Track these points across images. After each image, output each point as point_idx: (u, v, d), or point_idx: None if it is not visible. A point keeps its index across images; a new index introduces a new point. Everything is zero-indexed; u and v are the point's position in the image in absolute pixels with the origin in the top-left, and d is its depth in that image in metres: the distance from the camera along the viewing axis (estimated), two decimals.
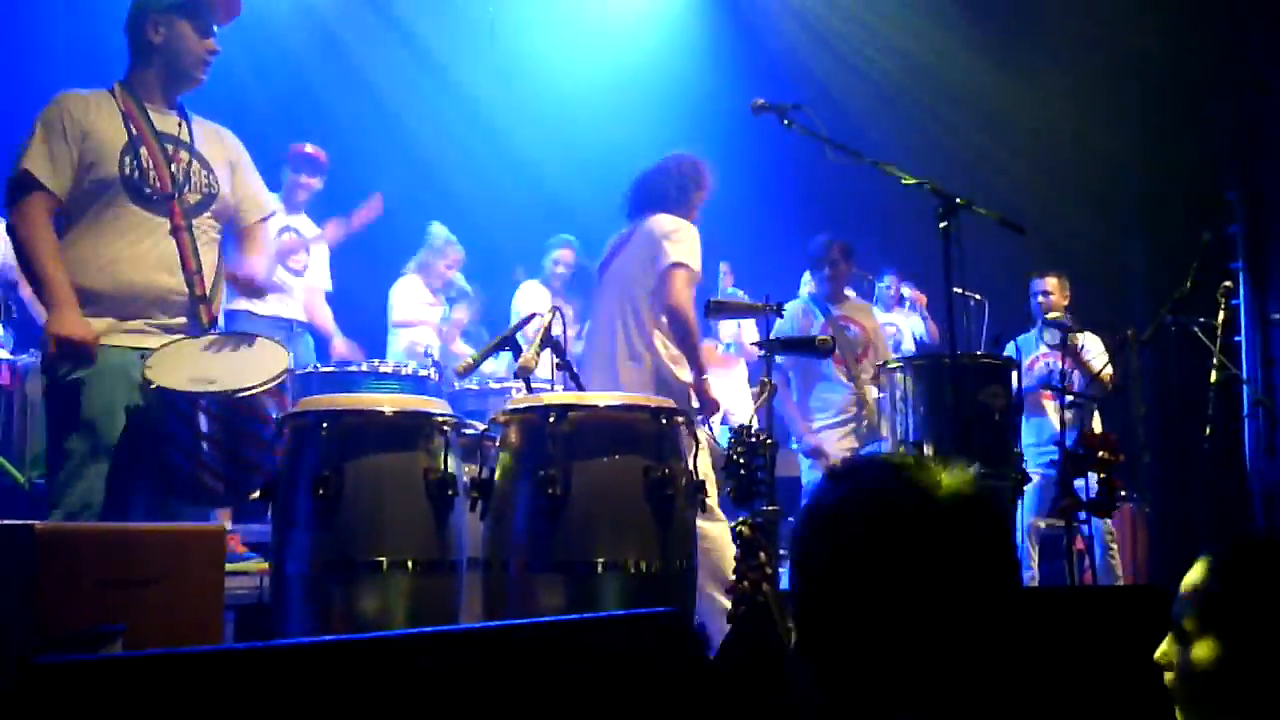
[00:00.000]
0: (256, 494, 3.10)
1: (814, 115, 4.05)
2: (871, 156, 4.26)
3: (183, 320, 3.37)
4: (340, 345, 6.11)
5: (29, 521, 2.42)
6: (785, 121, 4.08)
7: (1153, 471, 6.31)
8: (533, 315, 3.67)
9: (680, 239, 4.23)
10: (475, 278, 7.00)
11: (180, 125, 3.47)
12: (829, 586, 1.24)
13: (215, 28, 3.49)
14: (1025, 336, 6.20)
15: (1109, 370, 5.88)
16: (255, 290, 3.64)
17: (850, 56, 8.15)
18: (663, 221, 4.30)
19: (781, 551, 3.49)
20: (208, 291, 3.40)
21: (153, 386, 3.07)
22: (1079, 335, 5.91)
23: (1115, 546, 5.84)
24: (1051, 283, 6.26)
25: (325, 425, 2.90)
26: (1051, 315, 5.86)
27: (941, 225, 3.59)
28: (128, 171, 3.29)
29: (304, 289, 5.90)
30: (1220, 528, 6.13)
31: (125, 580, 2.45)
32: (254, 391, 3.09)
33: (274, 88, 7.12)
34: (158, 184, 3.33)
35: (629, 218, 4.49)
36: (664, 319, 4.23)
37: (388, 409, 2.98)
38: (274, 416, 3.13)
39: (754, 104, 4.15)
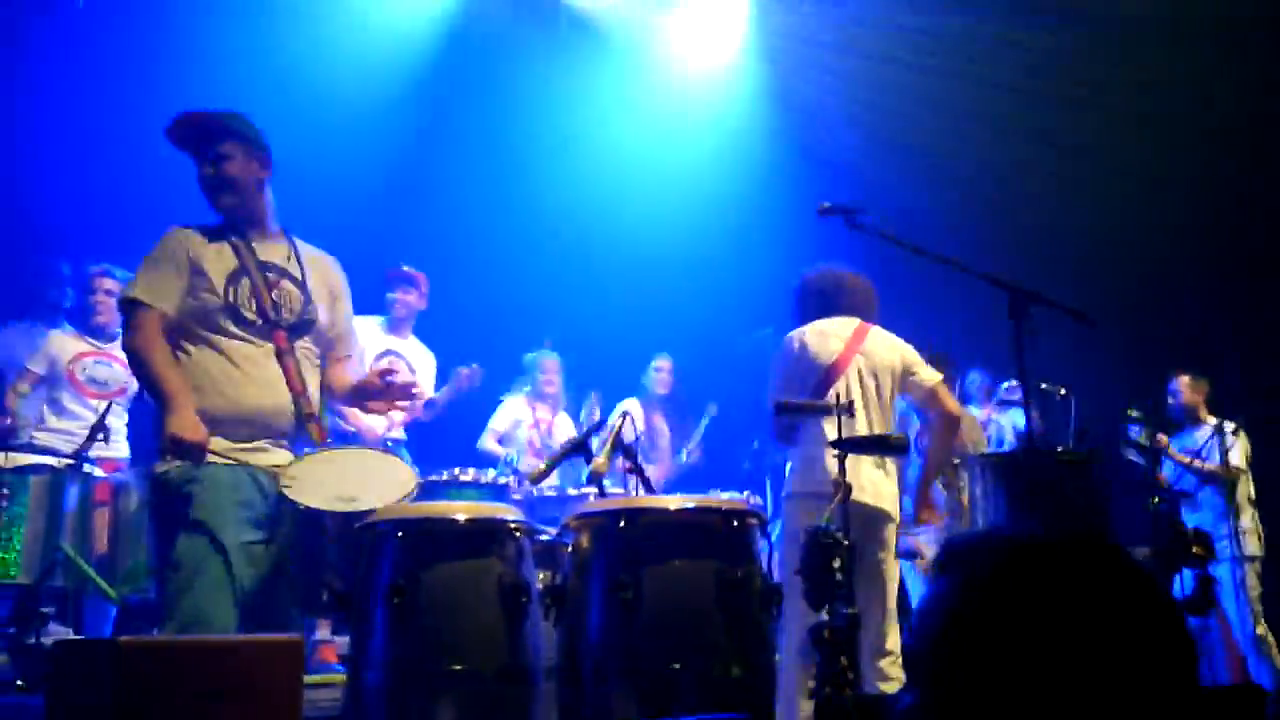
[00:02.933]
0: None
1: (880, 215, 4.08)
2: (940, 253, 4.28)
3: (287, 439, 3.49)
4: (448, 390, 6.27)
5: (116, 637, 2.47)
6: (852, 225, 4.11)
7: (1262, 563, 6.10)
8: (602, 421, 3.71)
9: None
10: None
11: (289, 256, 3.61)
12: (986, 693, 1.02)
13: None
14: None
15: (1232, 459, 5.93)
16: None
17: (915, 156, 8.19)
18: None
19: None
20: (316, 410, 3.52)
21: (301, 508, 3.17)
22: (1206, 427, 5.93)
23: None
24: (1183, 381, 6.46)
25: (400, 534, 2.94)
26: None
27: (1013, 320, 3.55)
28: (230, 299, 3.43)
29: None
30: None
31: (206, 691, 2.49)
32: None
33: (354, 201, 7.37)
34: (257, 310, 3.46)
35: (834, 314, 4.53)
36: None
37: (461, 516, 3.02)
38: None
39: (820, 207, 4.18)
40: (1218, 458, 6.03)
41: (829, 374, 4.32)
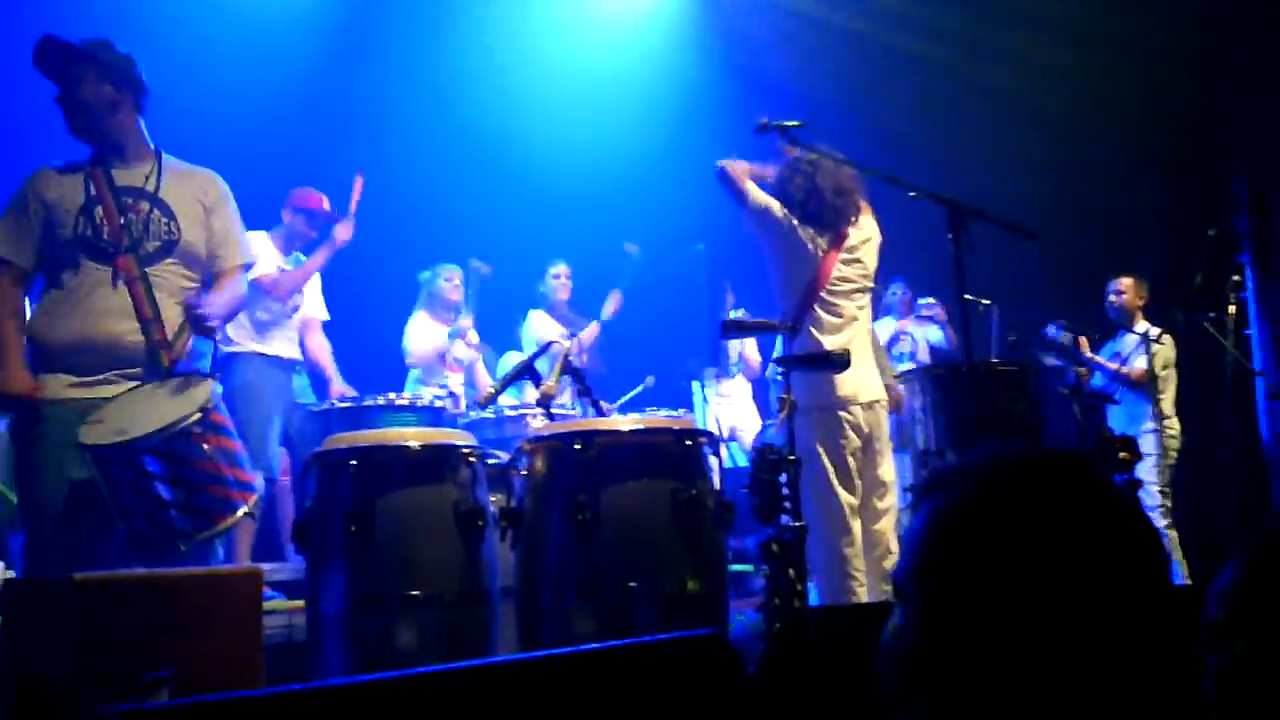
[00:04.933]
0: (209, 532, 3.12)
1: (816, 130, 4.09)
2: (873, 166, 4.31)
3: (139, 369, 3.38)
4: (338, 387, 6.04)
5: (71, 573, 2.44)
6: (788, 140, 4.12)
7: (1173, 469, 6.33)
8: (550, 343, 3.70)
9: None
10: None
11: (149, 175, 3.53)
12: (968, 601, 1.04)
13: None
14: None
15: (1140, 367, 6.06)
16: (201, 325, 3.46)
17: (849, 66, 8.18)
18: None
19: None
20: (168, 337, 3.41)
21: (87, 446, 3.10)
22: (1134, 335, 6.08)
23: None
24: (1125, 283, 6.53)
25: (354, 462, 2.93)
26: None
27: (950, 234, 3.60)
28: (80, 230, 3.40)
29: (299, 323, 5.86)
30: (1244, 523, 6.14)
31: (167, 625, 2.48)
32: (186, 423, 3.06)
33: (271, 105, 7.16)
34: (109, 237, 3.41)
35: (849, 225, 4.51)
36: None
37: (414, 443, 3.01)
38: (216, 436, 3.14)
39: (759, 123, 4.19)
40: (1144, 363, 6.18)
41: None
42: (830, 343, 4.16)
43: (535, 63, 8.18)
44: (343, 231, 5.73)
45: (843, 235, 4.38)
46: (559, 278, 6.95)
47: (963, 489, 1.11)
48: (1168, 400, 6.29)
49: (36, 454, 3.31)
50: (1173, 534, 6.06)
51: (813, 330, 4.26)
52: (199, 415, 3.09)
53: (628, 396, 7.11)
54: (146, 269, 3.43)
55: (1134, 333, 6.30)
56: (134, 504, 3.10)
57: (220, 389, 3.30)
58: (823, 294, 4.30)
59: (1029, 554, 1.04)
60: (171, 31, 6.47)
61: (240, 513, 3.13)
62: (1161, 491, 6.06)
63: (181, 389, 3.26)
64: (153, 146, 3.61)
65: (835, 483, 4.15)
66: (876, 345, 5.43)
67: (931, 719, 1.06)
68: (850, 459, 4.19)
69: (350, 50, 7.80)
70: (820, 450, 4.12)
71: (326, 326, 6.15)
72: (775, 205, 4.37)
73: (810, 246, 4.32)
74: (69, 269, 3.41)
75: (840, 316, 4.33)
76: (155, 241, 3.46)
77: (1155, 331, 6.15)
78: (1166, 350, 6.32)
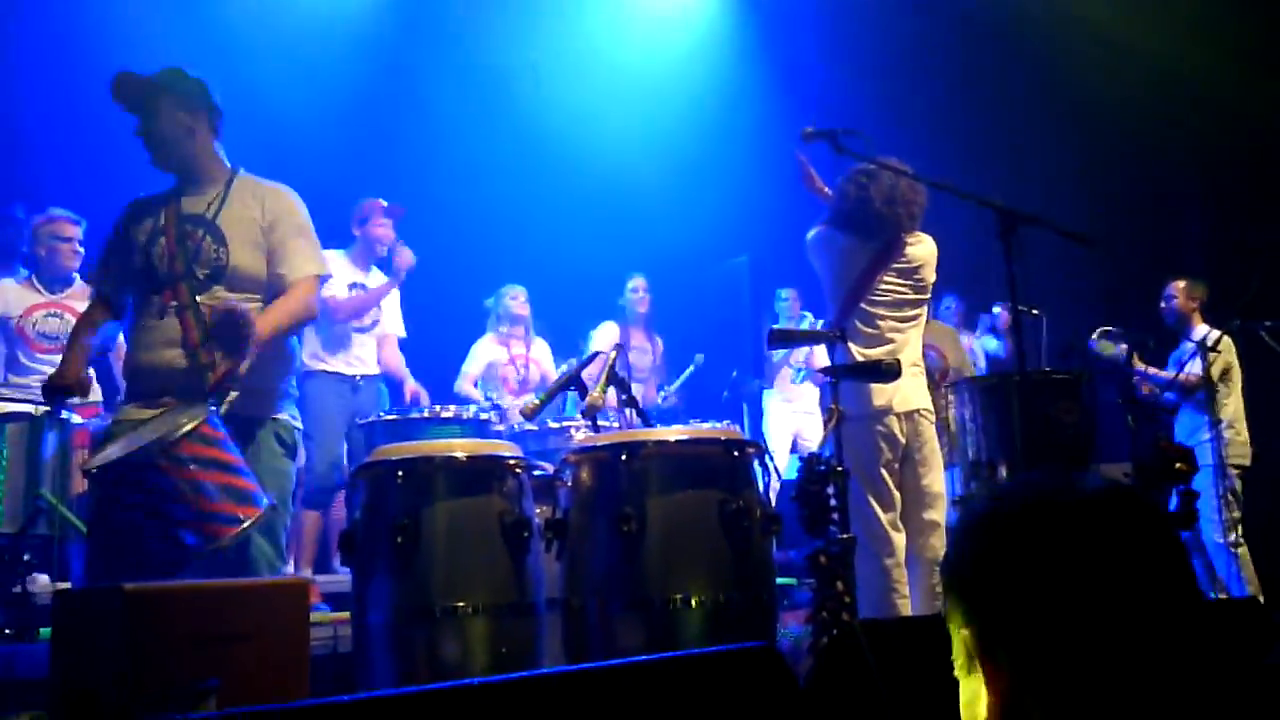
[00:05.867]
0: (221, 542, 3.07)
1: (866, 138, 4.04)
2: (925, 176, 4.27)
3: (188, 395, 3.38)
4: (411, 386, 6.27)
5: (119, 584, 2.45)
6: (837, 148, 4.07)
7: (1243, 479, 6.17)
8: (595, 354, 3.68)
9: None
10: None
11: (212, 201, 3.55)
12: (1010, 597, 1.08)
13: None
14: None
15: (1194, 374, 5.91)
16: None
17: (893, 73, 8.12)
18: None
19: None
20: (216, 361, 3.39)
21: (91, 471, 3.18)
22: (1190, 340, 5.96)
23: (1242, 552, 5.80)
24: (1178, 286, 6.39)
25: (400, 473, 2.92)
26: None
27: (1003, 241, 3.54)
28: (142, 263, 3.51)
29: (376, 339, 6.03)
30: None
31: (214, 636, 2.47)
32: (180, 433, 3.02)
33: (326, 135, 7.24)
34: (164, 268, 3.48)
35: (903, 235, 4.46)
36: None
37: (461, 454, 3.00)
38: (210, 447, 3.09)
39: (804, 132, 4.15)
40: (1198, 369, 6.00)
41: None
42: (867, 355, 4.13)
43: (576, 76, 8.20)
44: (403, 258, 5.92)
45: (892, 245, 4.33)
46: (636, 291, 7.02)
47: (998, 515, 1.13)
48: (1230, 408, 6.08)
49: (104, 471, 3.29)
50: (1241, 550, 5.86)
51: (850, 342, 4.23)
52: (190, 426, 3.05)
53: (681, 379, 7.17)
54: (198, 296, 3.46)
55: (1190, 340, 6.15)
56: (144, 524, 3.09)
57: (213, 410, 3.22)
58: (863, 305, 4.26)
59: (1069, 577, 1.05)
60: (226, 50, 6.59)
61: (245, 525, 3.10)
62: (1224, 502, 5.86)
63: (173, 412, 3.27)
64: (229, 166, 3.66)
65: (866, 494, 4.11)
66: (958, 348, 5.37)
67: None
68: (883, 471, 4.14)
69: (399, 63, 7.88)
70: (855, 464, 4.07)
71: (403, 344, 6.36)
72: (811, 234, 4.43)
73: (851, 257, 4.29)
74: (136, 300, 3.56)
75: (877, 328, 4.29)
76: (205, 269, 3.49)
77: (1213, 336, 5.98)
78: (1226, 355, 6.13)
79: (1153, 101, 7.55)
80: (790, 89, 8.14)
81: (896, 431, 4.16)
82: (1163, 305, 6.44)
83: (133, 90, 3.56)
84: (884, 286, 4.29)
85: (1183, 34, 7.38)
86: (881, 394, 4.15)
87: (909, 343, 4.34)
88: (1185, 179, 7.96)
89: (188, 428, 3.04)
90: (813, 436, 7.19)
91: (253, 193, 3.63)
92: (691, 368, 7.34)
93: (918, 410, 4.23)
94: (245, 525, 3.09)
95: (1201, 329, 6.25)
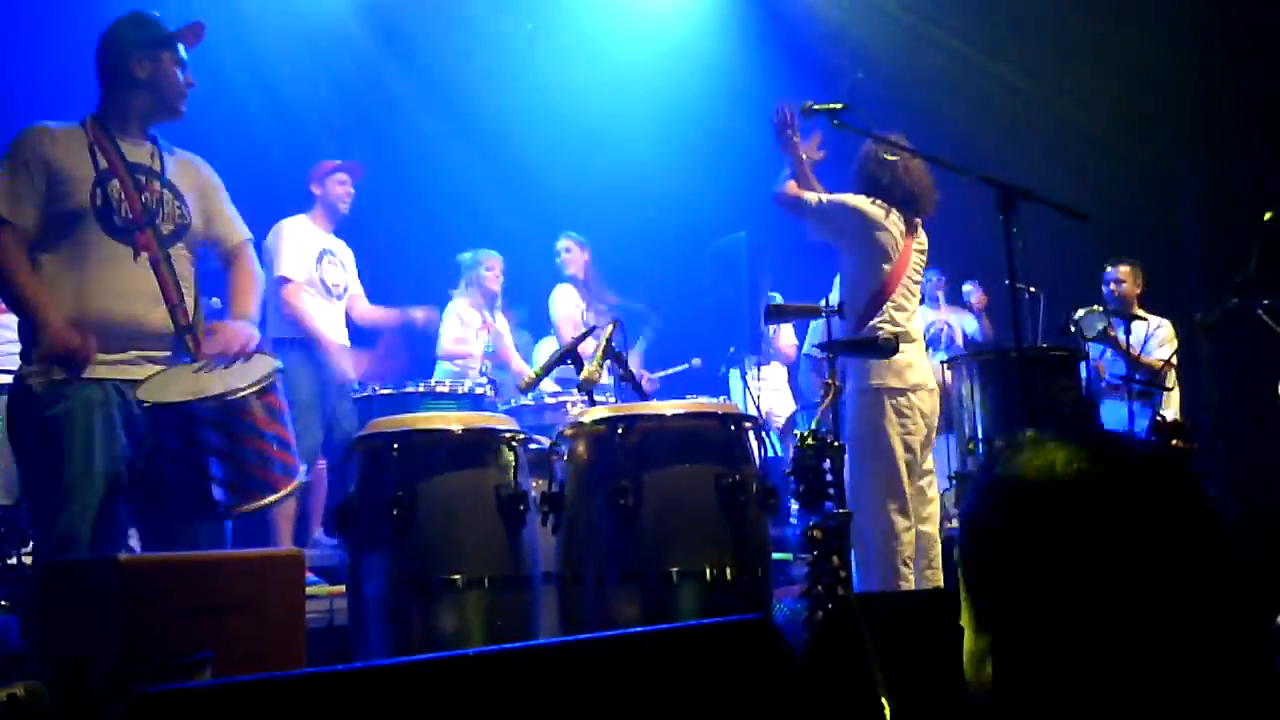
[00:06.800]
0: (277, 495, 3.11)
1: (865, 114, 4.03)
2: (922, 151, 4.25)
3: (168, 353, 3.32)
4: (413, 314, 6.05)
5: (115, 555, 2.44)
6: (835, 122, 4.06)
7: (1226, 459, 6.17)
8: (594, 328, 3.67)
9: None
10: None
11: (153, 156, 3.45)
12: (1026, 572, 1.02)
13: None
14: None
15: (1161, 359, 5.85)
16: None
17: (889, 53, 8.08)
18: None
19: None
20: (191, 320, 3.36)
21: (146, 405, 3.05)
22: (1144, 322, 5.90)
23: None
24: (1124, 271, 6.28)
25: (396, 446, 2.92)
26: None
27: (1001, 217, 3.53)
28: (98, 203, 3.26)
29: (345, 307, 5.85)
30: None
31: (209, 607, 2.47)
32: (246, 393, 3.05)
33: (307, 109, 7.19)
34: (129, 214, 3.31)
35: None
36: None
37: (457, 427, 2.99)
38: (270, 419, 3.11)
39: (804, 107, 4.14)
40: (1165, 353, 5.97)
41: None
42: (903, 329, 4.18)
43: (575, 50, 8.16)
44: (420, 316, 5.84)
45: (913, 224, 4.35)
46: (570, 251, 6.86)
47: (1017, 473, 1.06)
48: (1174, 398, 6.06)
49: (67, 432, 3.13)
50: None
51: (893, 314, 4.23)
52: (257, 388, 3.07)
53: (669, 371, 7.09)
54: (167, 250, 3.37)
55: (1140, 318, 6.09)
56: (173, 473, 3.07)
57: (280, 366, 3.26)
58: (903, 280, 4.28)
59: (1107, 549, 0.99)
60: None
61: (278, 495, 3.11)
62: None
63: (245, 362, 3.24)
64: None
65: (903, 468, 4.11)
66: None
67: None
68: (916, 445, 4.16)
69: (389, 41, 7.81)
70: (891, 434, 4.09)
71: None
72: (849, 197, 4.33)
73: (894, 232, 4.29)
74: (82, 241, 3.25)
75: (910, 304, 4.34)
76: (169, 224, 3.39)
77: (1165, 323, 5.98)
78: (1171, 339, 6.15)
79: (1148, 76, 7.53)
80: (789, 63, 8.10)
81: (927, 408, 4.20)
82: (1110, 288, 6.33)
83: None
84: (910, 262, 4.34)
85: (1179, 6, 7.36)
86: (916, 368, 4.19)
87: (916, 314, 4.38)
88: (1180, 155, 7.93)
89: (256, 387, 3.06)
90: (782, 413, 7.17)
91: (182, 159, 3.55)
92: (685, 366, 7.27)
93: (935, 388, 4.29)
94: (278, 495, 3.12)
95: (1142, 313, 6.21)
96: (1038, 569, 1.01)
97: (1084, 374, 4.09)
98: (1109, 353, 6.08)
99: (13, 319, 5.18)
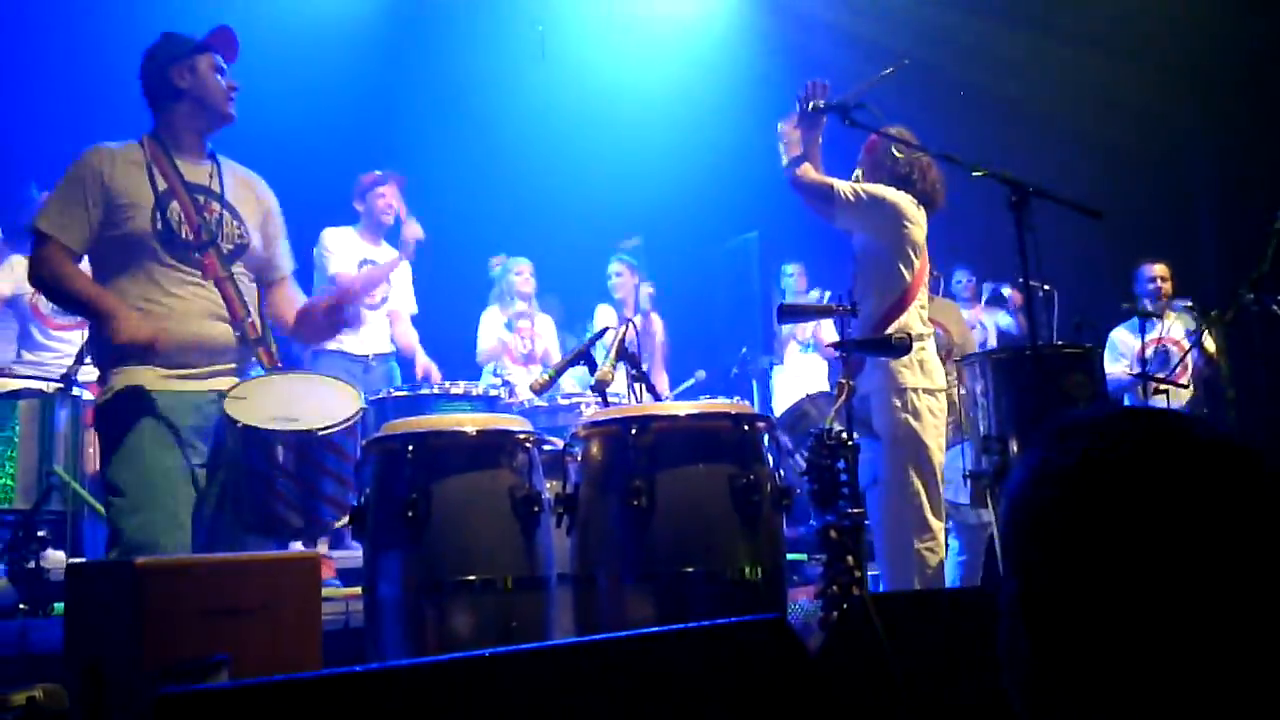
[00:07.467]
0: (342, 521, 3.15)
1: (877, 111, 4.02)
2: (935, 149, 4.24)
3: (234, 365, 3.39)
4: (423, 362, 6.26)
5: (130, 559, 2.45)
6: (847, 120, 4.05)
7: None
8: (605, 329, 3.68)
9: None
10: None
11: (211, 176, 3.47)
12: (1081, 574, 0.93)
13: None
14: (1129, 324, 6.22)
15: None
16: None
17: (904, 54, 8.07)
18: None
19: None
20: (261, 333, 3.42)
21: (239, 425, 3.10)
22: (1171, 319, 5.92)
23: None
24: (1160, 269, 6.40)
25: (411, 448, 2.92)
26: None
27: (1014, 215, 3.52)
28: (159, 227, 3.29)
29: (386, 317, 6.02)
30: None
31: (226, 609, 2.48)
32: (335, 429, 3.14)
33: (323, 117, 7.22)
34: (190, 237, 3.34)
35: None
36: None
37: (471, 429, 3.00)
38: (351, 453, 3.19)
39: (813, 105, 4.14)
40: (1195, 357, 6.01)
41: None
42: (927, 325, 4.21)
43: (587, 51, 8.16)
44: (410, 231, 5.87)
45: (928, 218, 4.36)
46: (620, 275, 6.99)
47: (1101, 447, 0.97)
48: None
49: (132, 440, 3.20)
50: None
51: (920, 312, 4.23)
52: (346, 426, 3.17)
53: (680, 389, 7.11)
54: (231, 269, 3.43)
55: (1171, 316, 6.12)
56: (249, 488, 3.15)
57: (365, 406, 3.34)
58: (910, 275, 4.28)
59: (1175, 534, 0.91)
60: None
61: (333, 526, 3.19)
62: None
63: (335, 387, 3.34)
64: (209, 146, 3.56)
65: (937, 468, 4.10)
66: (960, 324, 5.37)
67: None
68: (942, 445, 4.19)
69: (406, 50, 7.86)
70: (926, 435, 4.07)
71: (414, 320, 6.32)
72: (886, 190, 4.27)
73: (923, 228, 4.28)
74: (144, 264, 3.29)
75: (925, 302, 4.34)
76: (229, 244, 3.44)
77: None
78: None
79: (1165, 74, 7.50)
80: (801, 62, 8.08)
81: (944, 408, 4.21)
82: (1151, 286, 6.38)
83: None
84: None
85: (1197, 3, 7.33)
86: (941, 370, 4.20)
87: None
88: (1196, 153, 7.90)
89: (356, 417, 3.19)
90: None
91: (242, 178, 3.58)
92: (692, 381, 7.30)
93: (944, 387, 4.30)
94: (333, 526, 3.27)
95: (1172, 311, 6.24)
96: (1102, 554, 0.93)
97: (1099, 371, 4.07)
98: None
99: (68, 334, 5.31)
